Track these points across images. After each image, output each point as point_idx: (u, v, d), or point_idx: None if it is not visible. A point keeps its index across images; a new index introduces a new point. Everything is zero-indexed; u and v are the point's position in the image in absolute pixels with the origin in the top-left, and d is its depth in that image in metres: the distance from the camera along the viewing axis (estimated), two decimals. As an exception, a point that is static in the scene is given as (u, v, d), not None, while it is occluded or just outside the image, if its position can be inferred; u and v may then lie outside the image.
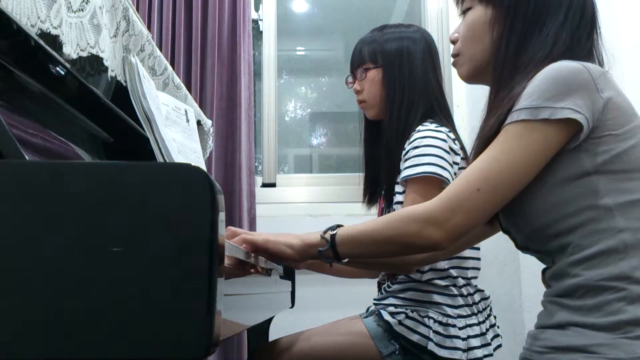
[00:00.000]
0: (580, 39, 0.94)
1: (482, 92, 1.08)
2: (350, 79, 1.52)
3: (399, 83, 1.42)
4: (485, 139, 0.91)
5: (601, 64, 0.96)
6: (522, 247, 0.97)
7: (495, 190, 0.86)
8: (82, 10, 0.88)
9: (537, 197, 0.88)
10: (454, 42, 1.06)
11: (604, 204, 0.83)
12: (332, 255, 0.98)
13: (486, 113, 0.97)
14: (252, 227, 2.18)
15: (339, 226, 1.00)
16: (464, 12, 1.04)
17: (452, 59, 1.07)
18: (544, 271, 0.94)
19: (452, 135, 1.35)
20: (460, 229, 0.88)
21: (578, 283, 0.84)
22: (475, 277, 1.37)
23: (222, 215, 0.54)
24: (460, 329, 1.27)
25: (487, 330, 1.33)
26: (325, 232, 0.99)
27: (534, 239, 0.92)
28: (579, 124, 0.83)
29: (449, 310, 1.29)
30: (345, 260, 1.01)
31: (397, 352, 1.28)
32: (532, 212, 0.88)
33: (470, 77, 1.04)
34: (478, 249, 1.38)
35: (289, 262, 1.08)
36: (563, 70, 0.85)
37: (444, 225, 0.87)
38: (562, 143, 0.85)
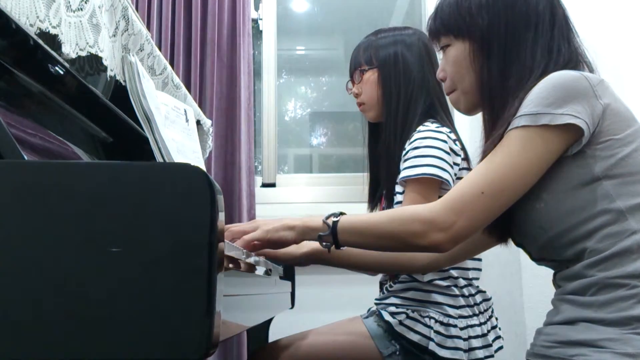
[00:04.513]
0: (560, 47, 0.95)
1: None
2: (349, 85, 1.53)
3: (395, 82, 1.41)
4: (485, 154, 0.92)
5: (590, 68, 0.97)
6: (538, 258, 0.98)
7: (499, 193, 0.88)
8: (81, 9, 0.87)
9: (550, 206, 0.89)
10: (442, 79, 1.07)
11: (617, 207, 0.85)
12: (332, 241, 0.99)
13: (485, 138, 0.98)
14: (252, 227, 2.17)
15: (342, 213, 1.00)
16: (442, 49, 1.05)
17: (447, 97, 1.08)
18: (555, 274, 0.95)
19: (452, 136, 1.35)
20: (464, 232, 0.89)
21: (591, 282, 0.85)
22: (477, 278, 1.37)
23: (222, 215, 0.54)
24: (461, 329, 1.26)
25: (489, 331, 1.33)
26: (327, 217, 1.00)
27: (550, 248, 0.92)
28: (579, 129, 0.85)
29: (450, 311, 1.28)
30: (344, 248, 1.01)
31: (397, 353, 1.28)
32: (547, 221, 0.89)
33: (471, 110, 1.05)
34: (479, 249, 1.37)
35: (289, 246, 1.07)
36: (562, 79, 0.88)
37: (448, 229, 0.88)
38: (563, 148, 0.87)
